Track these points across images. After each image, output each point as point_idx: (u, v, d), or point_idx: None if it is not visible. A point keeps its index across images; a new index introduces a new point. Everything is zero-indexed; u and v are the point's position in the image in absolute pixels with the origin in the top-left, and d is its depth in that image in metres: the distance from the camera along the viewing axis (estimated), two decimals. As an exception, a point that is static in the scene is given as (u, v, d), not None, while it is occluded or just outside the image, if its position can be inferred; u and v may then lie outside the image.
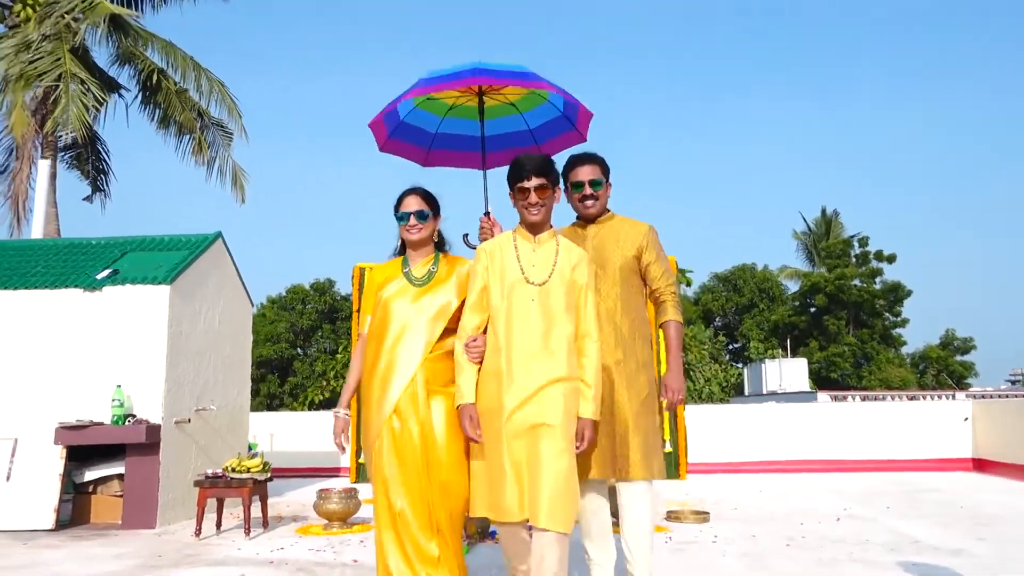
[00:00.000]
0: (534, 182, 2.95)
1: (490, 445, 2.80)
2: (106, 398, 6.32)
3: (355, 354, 3.23)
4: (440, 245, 3.27)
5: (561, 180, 3.31)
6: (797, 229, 46.54)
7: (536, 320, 2.87)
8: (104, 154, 15.43)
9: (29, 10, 13.21)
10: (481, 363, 2.92)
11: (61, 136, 13.59)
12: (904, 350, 41.31)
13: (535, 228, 3.02)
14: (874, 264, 40.31)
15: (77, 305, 6.59)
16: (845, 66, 71.16)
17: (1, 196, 14.26)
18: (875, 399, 24.73)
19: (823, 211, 45.41)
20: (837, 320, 39.10)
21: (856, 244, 41.51)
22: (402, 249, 3.27)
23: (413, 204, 3.15)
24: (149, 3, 14.85)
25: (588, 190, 3.30)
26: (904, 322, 40.35)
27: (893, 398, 25.06)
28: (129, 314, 6.54)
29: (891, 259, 40.29)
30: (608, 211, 3.39)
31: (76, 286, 6.63)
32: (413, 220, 3.13)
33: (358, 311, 5.45)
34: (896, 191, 72.14)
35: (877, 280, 39.97)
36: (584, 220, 3.38)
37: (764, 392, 30.64)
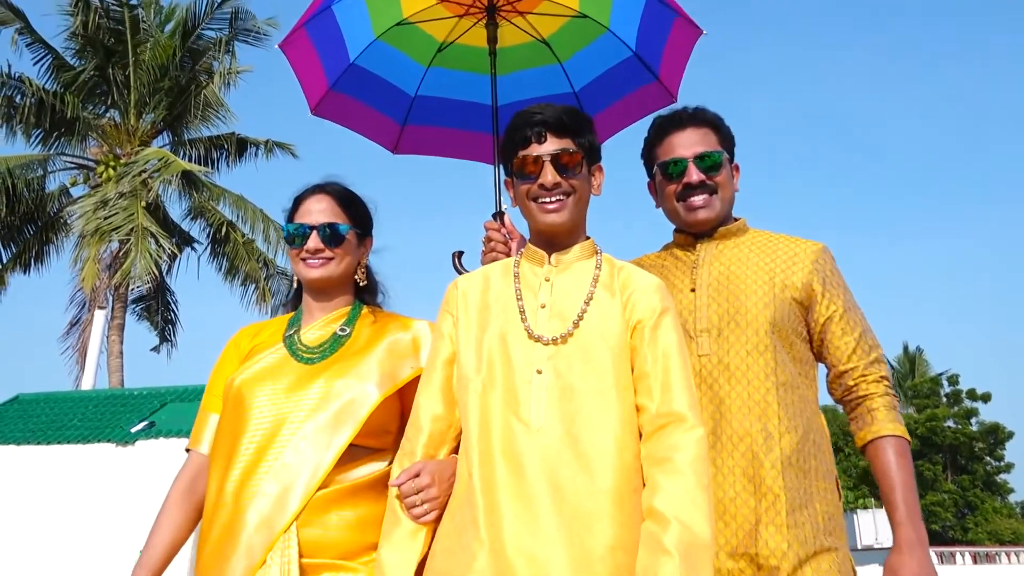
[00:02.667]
0: (551, 146, 1.58)
1: None
2: (128, 567, 5.81)
3: (171, 496, 1.82)
4: (367, 292, 1.91)
5: (647, 168, 1.97)
6: (878, 368, 44.53)
7: (547, 413, 1.45)
8: (173, 305, 15.80)
9: (111, 170, 13.97)
10: (437, 519, 1.51)
11: (133, 288, 13.98)
12: (1012, 498, 37.94)
13: (555, 239, 1.64)
14: (967, 404, 37.94)
15: (108, 461, 6.23)
16: (900, 195, 70.55)
17: (71, 349, 14.61)
18: (987, 557, 22.26)
19: (905, 348, 43.47)
20: (933, 465, 36.35)
21: (946, 382, 39.25)
22: (296, 298, 1.92)
23: (318, 211, 1.81)
24: (224, 161, 15.61)
25: (695, 175, 1.84)
26: (1008, 467, 37.38)
27: (1008, 556, 22.51)
28: (161, 470, 6.12)
29: (986, 398, 37.92)
30: (737, 219, 1.92)
31: (109, 440, 6.30)
32: (315, 241, 1.78)
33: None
34: (983, 326, 69.02)
35: (973, 421, 37.44)
36: (688, 234, 1.91)
37: (859, 547, 28.09)
